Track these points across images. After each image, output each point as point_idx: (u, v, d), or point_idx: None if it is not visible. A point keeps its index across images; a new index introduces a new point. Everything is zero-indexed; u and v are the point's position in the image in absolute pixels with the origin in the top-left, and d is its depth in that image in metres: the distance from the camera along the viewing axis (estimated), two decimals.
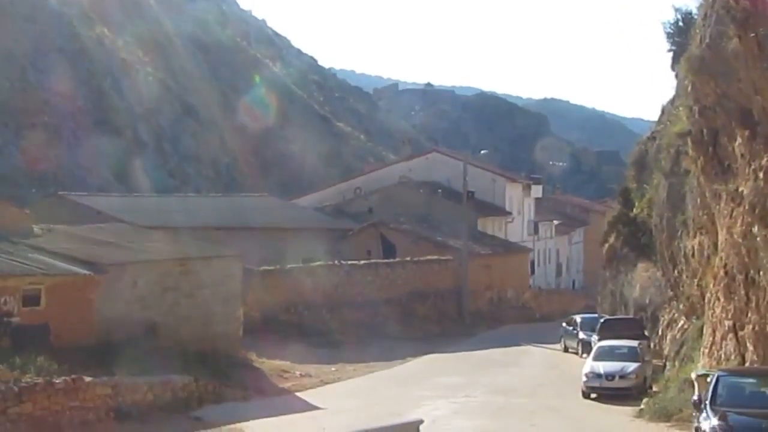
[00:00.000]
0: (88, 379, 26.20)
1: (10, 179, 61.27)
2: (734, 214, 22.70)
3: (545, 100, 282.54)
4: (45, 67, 75.10)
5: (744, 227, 21.74)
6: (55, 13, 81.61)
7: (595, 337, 38.36)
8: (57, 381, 25.57)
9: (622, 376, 31.10)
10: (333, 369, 37.84)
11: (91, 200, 52.21)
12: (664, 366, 33.79)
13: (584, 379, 31.29)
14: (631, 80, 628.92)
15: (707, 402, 18.61)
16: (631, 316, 42.83)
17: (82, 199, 51.97)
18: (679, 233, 32.44)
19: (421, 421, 22.84)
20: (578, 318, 45.87)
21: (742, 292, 22.33)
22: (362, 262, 54.28)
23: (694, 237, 29.68)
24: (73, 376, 26.02)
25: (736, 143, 21.99)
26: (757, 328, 21.42)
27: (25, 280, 29.45)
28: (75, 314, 29.97)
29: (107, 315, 30.75)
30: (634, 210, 44.49)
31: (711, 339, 25.47)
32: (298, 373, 36.12)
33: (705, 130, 24.99)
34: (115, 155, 75.40)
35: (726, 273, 23.73)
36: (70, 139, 72.31)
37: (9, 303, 28.61)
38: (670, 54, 34.40)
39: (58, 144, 71.54)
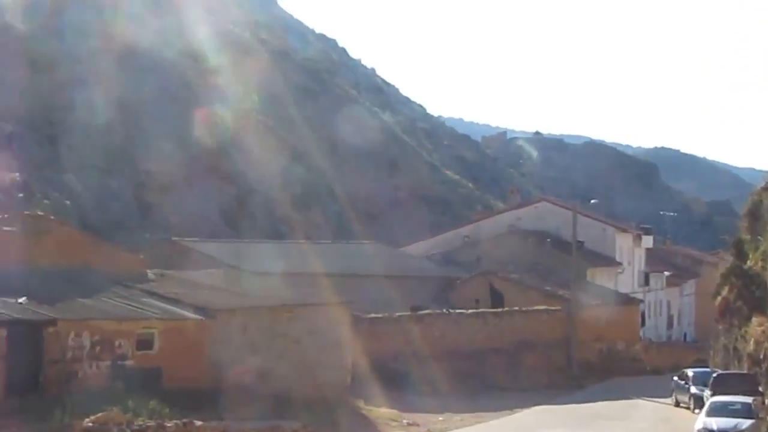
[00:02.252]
0: (198, 422, 26.48)
1: (125, 225, 62.57)
2: None
3: (655, 149, 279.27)
4: (159, 115, 76.81)
5: None
6: (169, 63, 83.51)
7: (707, 392, 37.42)
8: (168, 424, 25.91)
9: None
10: (440, 418, 37.55)
11: (203, 246, 52.94)
12: None
13: None
14: (743, 129, 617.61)
15: None
16: (745, 371, 41.66)
17: (194, 245, 52.71)
18: None
19: None
20: (690, 372, 44.78)
21: None
22: (470, 310, 53.95)
23: None
24: (184, 419, 26.34)
25: None
26: None
27: (140, 324, 30.00)
28: (186, 358, 30.38)
29: (217, 359, 31.12)
30: (748, 262, 43.39)
31: None
32: (405, 421, 35.92)
33: None
34: (227, 201, 76.60)
35: None
36: (182, 185, 73.60)
37: (123, 346, 29.16)
38: None
39: (171, 190, 72.92)
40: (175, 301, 32.23)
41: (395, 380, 42.69)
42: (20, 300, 28.58)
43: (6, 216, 35.94)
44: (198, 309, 31.86)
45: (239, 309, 33.92)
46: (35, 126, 66.60)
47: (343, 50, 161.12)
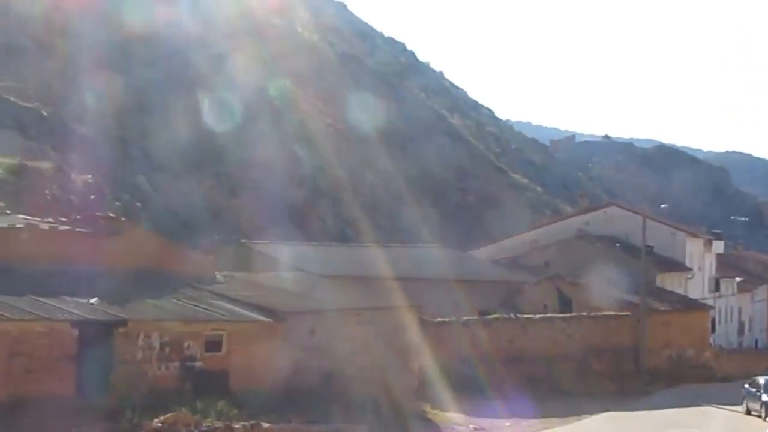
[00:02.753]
0: (266, 425, 26.64)
1: (195, 226, 63.08)
2: None
3: (726, 152, 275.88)
4: (226, 118, 77.63)
5: None
6: (243, 73, 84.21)
7: None
8: (236, 426, 26.10)
9: None
10: (507, 424, 37.34)
11: (272, 249, 53.19)
12: None
13: None
14: None
15: None
16: None
17: (263, 248, 53.00)
18: None
19: None
20: (762, 380, 44.01)
21: None
22: (538, 315, 53.61)
23: None
24: (251, 421, 26.50)
25: None
26: None
27: (208, 326, 30.25)
28: (254, 360, 30.56)
29: (285, 362, 31.24)
30: None
31: None
32: (471, 426, 35.78)
33: None
34: (295, 204, 76.97)
35: None
36: (252, 188, 74.11)
37: (192, 348, 29.40)
38: None
39: (241, 192, 73.51)
40: (243, 304, 32.45)
41: (462, 385, 42.52)
42: (92, 301, 28.94)
43: (78, 218, 36.46)
44: (266, 311, 32.04)
45: (307, 312, 34.06)
46: (107, 128, 67.44)
47: (412, 54, 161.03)
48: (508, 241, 75.82)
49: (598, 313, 55.93)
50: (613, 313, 56.64)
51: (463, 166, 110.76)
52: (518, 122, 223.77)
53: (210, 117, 76.18)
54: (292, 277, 41.37)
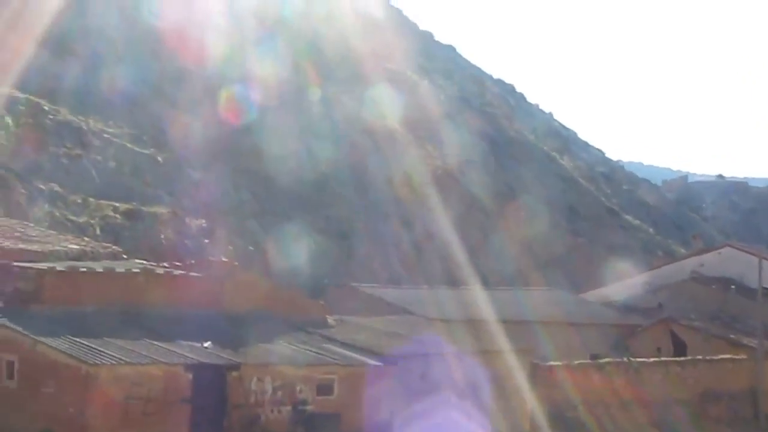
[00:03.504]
0: None
1: (306, 269, 63.64)
2: None
3: None
4: (336, 162, 78.32)
5: None
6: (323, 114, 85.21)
7: None
8: None
9: None
10: None
11: (381, 291, 53.35)
12: None
13: None
14: None
15: None
16: None
17: (373, 291, 53.18)
18: None
19: None
20: None
21: None
22: (651, 359, 52.73)
23: None
24: None
25: None
26: None
27: (320, 369, 30.50)
28: (366, 404, 30.68)
29: (406, 405, 31.32)
30: None
31: None
32: None
33: None
34: (404, 247, 77.11)
35: None
36: (362, 231, 74.58)
37: (304, 391, 29.67)
38: None
39: (351, 235, 74.01)
40: (354, 347, 32.64)
41: (574, 429, 42.04)
42: (205, 344, 29.42)
43: (193, 262, 37.16)
44: (377, 355, 32.15)
45: (418, 355, 34.08)
46: (221, 173, 68.61)
47: (521, 95, 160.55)
48: (620, 283, 74.81)
49: (714, 357, 54.82)
50: (729, 356, 55.46)
51: (574, 207, 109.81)
52: (629, 162, 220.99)
53: (321, 161, 76.98)
54: (402, 320, 41.46)
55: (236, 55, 79.93)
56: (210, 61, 77.09)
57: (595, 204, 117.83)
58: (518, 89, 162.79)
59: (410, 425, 31.45)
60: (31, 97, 61.62)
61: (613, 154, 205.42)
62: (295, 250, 66.25)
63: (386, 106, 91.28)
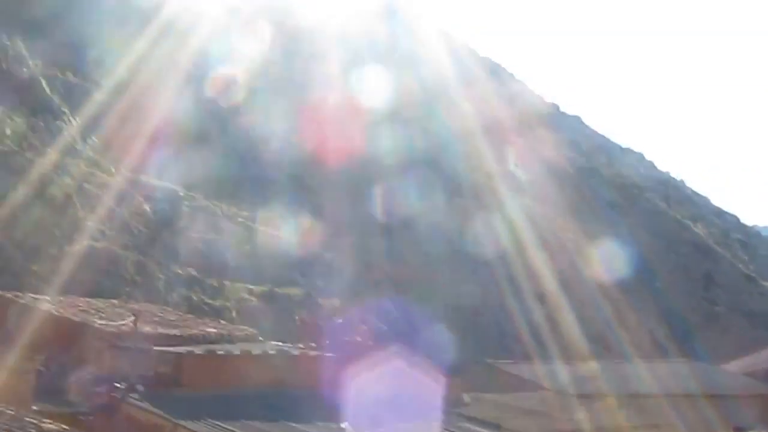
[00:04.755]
0: None
1: (440, 347, 63.48)
2: None
3: None
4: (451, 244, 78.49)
5: None
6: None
7: None
8: None
9: None
10: None
11: (518, 368, 52.83)
12: None
13: None
14: None
15: None
16: None
17: (509, 367, 52.67)
18: None
19: None
20: None
21: None
22: None
23: None
24: None
25: None
26: None
27: None
28: None
29: None
30: None
31: None
32: None
33: None
34: (537, 321, 76.43)
35: None
36: (494, 307, 74.25)
37: None
38: None
39: (484, 312, 73.70)
40: (493, 426, 32.32)
41: None
42: (343, 425, 29.48)
43: (328, 342, 37.40)
44: None
45: None
46: (353, 253, 69.24)
47: (651, 164, 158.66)
48: (762, 352, 72.74)
49: None
50: None
51: (710, 275, 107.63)
52: (766, 227, 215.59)
53: (439, 243, 77.17)
54: (541, 398, 40.94)
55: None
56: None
57: (732, 271, 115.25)
58: (648, 157, 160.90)
59: None
60: (168, 185, 63.42)
61: (748, 219, 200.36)
62: (428, 329, 66.18)
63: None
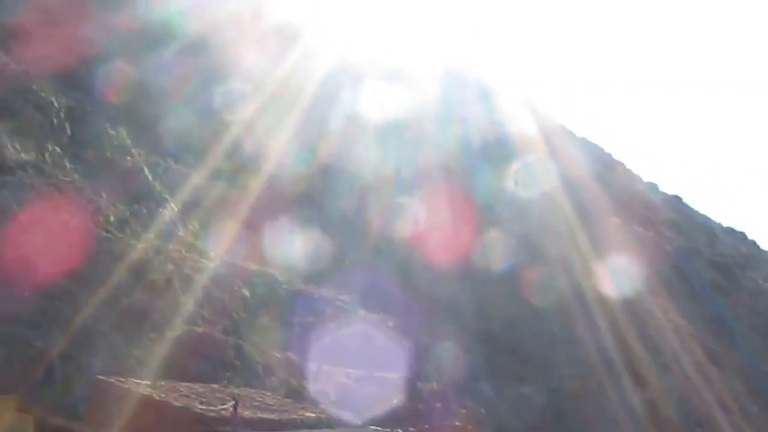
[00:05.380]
0: None
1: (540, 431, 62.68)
2: None
3: None
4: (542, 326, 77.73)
5: None
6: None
7: None
8: None
9: None
10: None
11: None
12: None
13: None
14: None
15: None
16: None
17: None
18: None
19: None
20: None
21: None
22: None
23: None
24: None
25: None
26: None
27: None
28: None
29: None
30: None
31: None
32: None
33: None
34: (639, 406, 75.04)
35: None
36: (596, 391, 73.19)
37: None
38: None
39: (584, 395, 72.61)
40: None
41: None
42: None
43: (426, 426, 37.15)
44: None
45: None
46: (451, 337, 68.87)
47: (753, 243, 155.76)
48: None
49: None
50: None
51: None
52: None
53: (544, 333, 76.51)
54: None
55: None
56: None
57: None
58: (750, 237, 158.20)
59: None
60: (268, 270, 64.02)
61: None
62: (529, 412, 65.46)
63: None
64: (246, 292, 60.61)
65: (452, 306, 71.50)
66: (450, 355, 66.53)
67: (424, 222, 78.49)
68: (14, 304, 44.13)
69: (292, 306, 62.68)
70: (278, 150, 75.89)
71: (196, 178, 68.28)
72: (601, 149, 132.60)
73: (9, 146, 53.13)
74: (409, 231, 77.29)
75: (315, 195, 75.90)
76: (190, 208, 64.83)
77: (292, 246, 69.17)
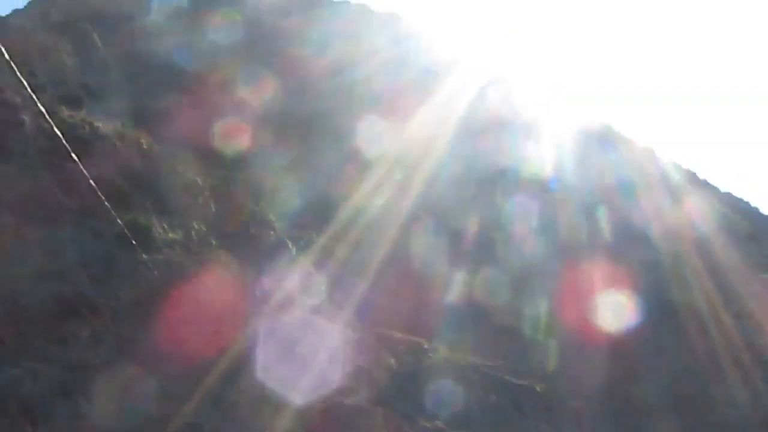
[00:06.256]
0: None
1: None
2: None
3: None
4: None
5: None
6: None
7: None
8: None
9: None
10: None
11: None
12: None
13: None
14: None
15: None
16: None
17: None
18: None
19: None
20: None
21: None
22: None
23: None
24: None
25: None
26: None
27: None
28: None
29: None
30: None
31: None
32: None
33: None
34: None
35: None
36: None
37: None
38: None
39: None
40: None
41: None
42: None
43: None
44: None
45: None
46: (600, 401, 67.77)
47: None
48: None
49: None
50: None
51: None
52: None
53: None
54: None
55: None
56: None
57: None
58: None
59: None
60: (411, 337, 64.05)
61: None
62: None
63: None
64: (393, 361, 60.68)
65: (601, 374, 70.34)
66: (600, 420, 65.45)
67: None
68: (166, 381, 44.97)
69: (439, 374, 62.52)
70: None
71: (340, 250, 69.30)
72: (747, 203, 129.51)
73: (157, 226, 54.48)
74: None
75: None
76: (335, 280, 65.59)
77: (435, 312, 69.30)
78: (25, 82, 33.86)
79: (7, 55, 27.47)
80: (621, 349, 72.65)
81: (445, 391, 60.58)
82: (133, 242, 48.79)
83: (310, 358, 53.73)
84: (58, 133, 46.64)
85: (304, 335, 55.70)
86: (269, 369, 51.00)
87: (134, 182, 58.38)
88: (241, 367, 50.40)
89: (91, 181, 42.87)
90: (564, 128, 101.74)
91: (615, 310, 74.92)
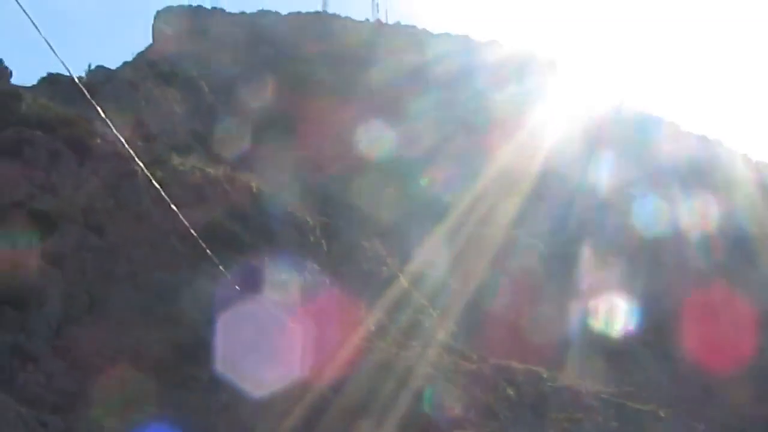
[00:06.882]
0: None
1: None
2: None
3: None
4: None
5: None
6: None
7: None
8: None
9: None
10: None
11: None
12: None
13: None
14: None
15: None
16: None
17: None
18: None
19: None
20: None
21: None
22: None
23: None
24: None
25: None
26: None
27: None
28: None
29: None
30: None
31: None
32: None
33: None
34: None
35: None
36: None
37: None
38: None
39: None
40: None
41: None
42: None
43: None
44: None
45: None
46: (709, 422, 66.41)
47: None
48: None
49: None
50: None
51: None
52: None
53: None
54: None
55: None
56: None
57: None
58: None
59: None
60: (530, 367, 63.66)
61: None
62: None
63: None
64: (511, 392, 60.28)
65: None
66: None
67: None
68: (279, 419, 45.27)
69: (559, 402, 61.94)
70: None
71: (453, 282, 69.56)
72: None
73: (269, 267, 55.11)
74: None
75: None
76: (446, 312, 65.75)
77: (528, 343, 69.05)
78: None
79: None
80: (744, 374, 71.20)
81: (565, 419, 59.96)
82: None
83: (425, 389, 53.64)
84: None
85: (418, 367, 55.68)
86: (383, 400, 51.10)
87: (246, 224, 59.11)
88: (359, 406, 50.51)
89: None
90: None
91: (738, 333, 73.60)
